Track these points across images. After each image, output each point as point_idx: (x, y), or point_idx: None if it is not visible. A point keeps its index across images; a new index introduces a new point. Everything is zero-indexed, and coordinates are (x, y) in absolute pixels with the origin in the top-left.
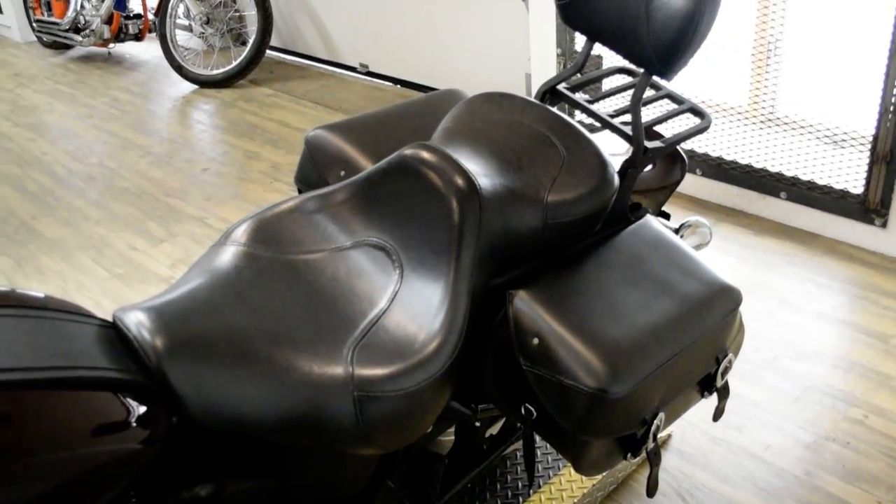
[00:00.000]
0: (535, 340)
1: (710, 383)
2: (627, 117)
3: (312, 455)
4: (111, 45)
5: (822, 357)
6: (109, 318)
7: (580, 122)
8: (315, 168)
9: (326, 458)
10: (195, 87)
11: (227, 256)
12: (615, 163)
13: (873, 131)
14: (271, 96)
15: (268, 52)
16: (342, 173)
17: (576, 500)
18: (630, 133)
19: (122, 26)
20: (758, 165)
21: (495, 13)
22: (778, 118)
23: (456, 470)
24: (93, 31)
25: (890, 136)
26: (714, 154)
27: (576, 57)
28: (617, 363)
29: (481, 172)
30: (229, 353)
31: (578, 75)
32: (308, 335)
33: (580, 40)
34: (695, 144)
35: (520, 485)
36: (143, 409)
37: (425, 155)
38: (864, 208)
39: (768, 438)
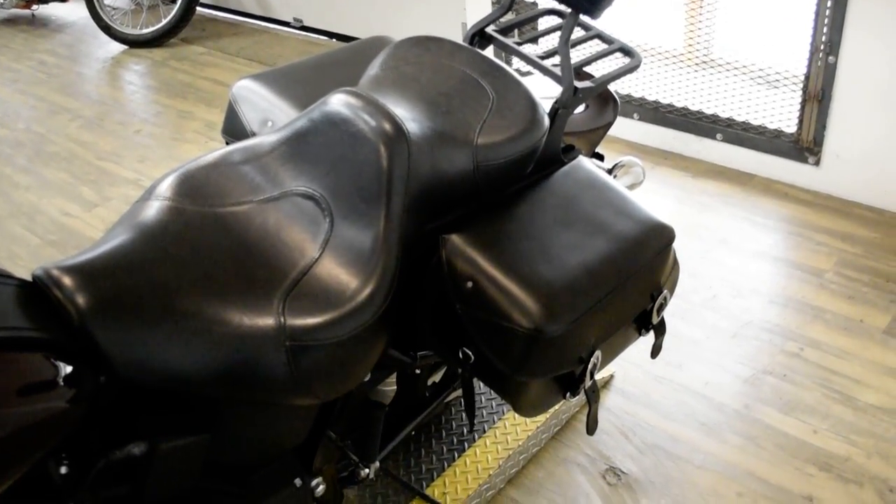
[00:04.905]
0: (469, 284)
1: (647, 320)
2: (557, 59)
3: (248, 408)
4: (35, 6)
5: (759, 294)
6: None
7: (513, 67)
8: (241, 120)
9: (263, 410)
10: (124, 47)
11: (152, 211)
12: (546, 104)
13: (804, 71)
14: (204, 54)
15: (198, 9)
16: (269, 124)
17: (521, 443)
18: (560, 74)
19: None
20: (694, 108)
21: None
22: (712, 60)
23: (399, 418)
24: None
25: (821, 76)
26: (650, 98)
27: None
28: (551, 303)
29: (409, 117)
30: (156, 308)
31: (510, 16)
32: (238, 287)
33: None
34: (631, 88)
35: (464, 431)
36: (67, 368)
37: (351, 100)
38: (797, 147)
39: (708, 375)
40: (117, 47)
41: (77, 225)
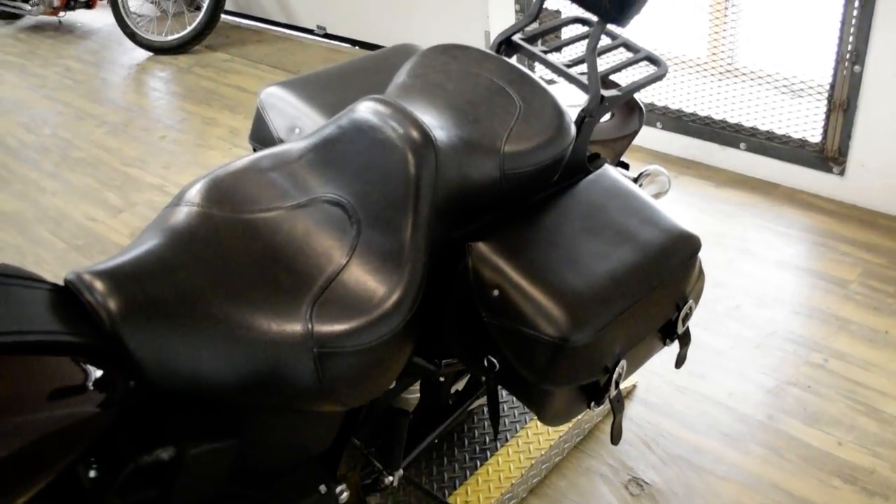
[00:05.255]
0: (496, 292)
1: (672, 330)
2: (583, 67)
3: (275, 414)
4: (61, 13)
5: (783, 304)
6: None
7: (539, 75)
8: (269, 127)
9: (289, 416)
10: (149, 53)
11: (182, 217)
12: (572, 113)
13: (829, 80)
14: (227, 61)
15: (223, 16)
16: (297, 131)
17: (543, 453)
18: (586, 82)
19: None
20: (717, 117)
21: None
22: (736, 69)
23: (422, 426)
24: None
25: (846, 85)
26: (674, 107)
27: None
28: (577, 311)
29: (436, 125)
30: (186, 313)
31: (535, 26)
32: (266, 293)
33: None
34: (654, 97)
35: (487, 439)
36: (98, 372)
37: (379, 108)
38: (821, 157)
39: (731, 385)
40: (142, 54)
41: (102, 230)
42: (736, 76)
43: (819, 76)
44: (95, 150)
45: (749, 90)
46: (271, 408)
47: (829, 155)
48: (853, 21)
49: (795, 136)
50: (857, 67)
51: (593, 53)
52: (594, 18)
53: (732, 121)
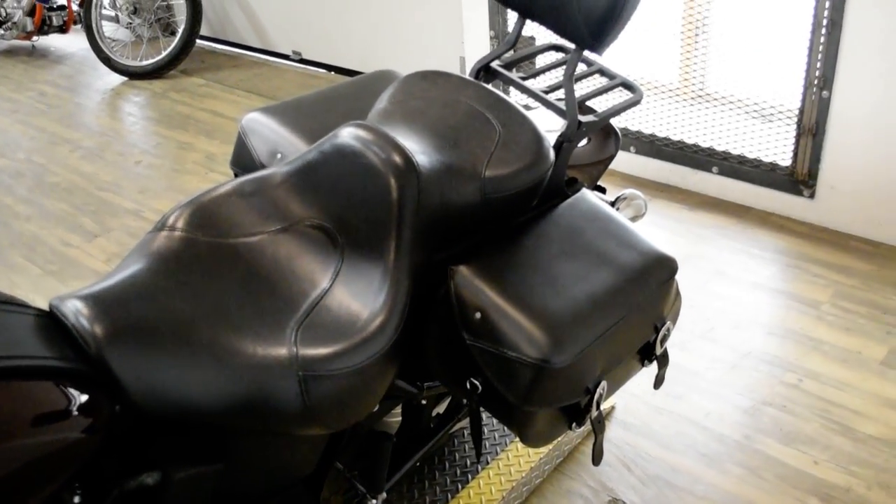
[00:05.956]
0: (478, 314)
1: (650, 351)
2: (561, 93)
3: (260, 438)
4: (35, 37)
5: (757, 325)
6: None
7: (516, 100)
8: (251, 152)
9: (274, 440)
10: (124, 78)
11: (165, 242)
12: (550, 138)
13: (799, 105)
14: (203, 86)
15: (198, 41)
16: (278, 156)
17: (524, 475)
18: (564, 108)
19: (46, 18)
20: (690, 141)
21: None
22: (708, 94)
23: (404, 449)
24: (15, 23)
25: (814, 110)
26: (647, 131)
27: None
28: (558, 333)
29: (418, 150)
30: (170, 338)
31: (512, 53)
32: (250, 318)
33: (513, 21)
34: (628, 122)
35: (468, 462)
36: (84, 397)
37: (361, 133)
38: (792, 180)
39: (708, 405)
40: (117, 79)
41: (77, 255)
42: (707, 101)
43: (788, 101)
44: (70, 174)
45: (720, 115)
46: (256, 431)
47: (799, 178)
48: (821, 48)
49: (766, 159)
50: (825, 93)
51: (571, 80)
52: (570, 45)
53: (705, 145)
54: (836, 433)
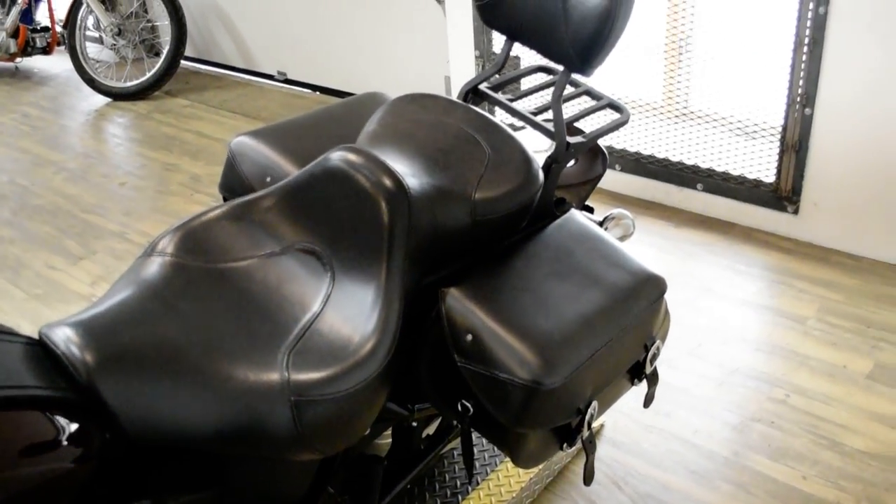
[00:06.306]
0: (469, 337)
1: (640, 370)
2: (549, 114)
3: (252, 464)
4: (18, 59)
5: (744, 341)
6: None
7: (503, 121)
8: (240, 175)
9: (266, 465)
10: (108, 100)
11: (155, 267)
12: (539, 159)
13: (782, 122)
14: (188, 107)
15: (182, 62)
16: (268, 179)
17: (514, 495)
18: (552, 129)
19: (30, 39)
20: (675, 159)
21: (413, 17)
22: (692, 112)
23: (395, 471)
24: None
25: (797, 127)
26: (632, 150)
27: (494, 58)
28: (549, 355)
29: (408, 172)
30: (161, 365)
31: (499, 75)
32: (241, 343)
33: (498, 42)
34: (614, 141)
35: (458, 483)
36: (74, 426)
37: (351, 157)
38: (776, 196)
39: (696, 423)
40: (101, 100)
41: (62, 278)
42: (691, 119)
43: (771, 118)
44: (54, 197)
45: (704, 132)
46: (248, 457)
47: (783, 195)
48: (803, 65)
49: (750, 176)
50: (807, 110)
51: (559, 101)
52: (558, 67)
53: (689, 162)
54: (824, 448)
